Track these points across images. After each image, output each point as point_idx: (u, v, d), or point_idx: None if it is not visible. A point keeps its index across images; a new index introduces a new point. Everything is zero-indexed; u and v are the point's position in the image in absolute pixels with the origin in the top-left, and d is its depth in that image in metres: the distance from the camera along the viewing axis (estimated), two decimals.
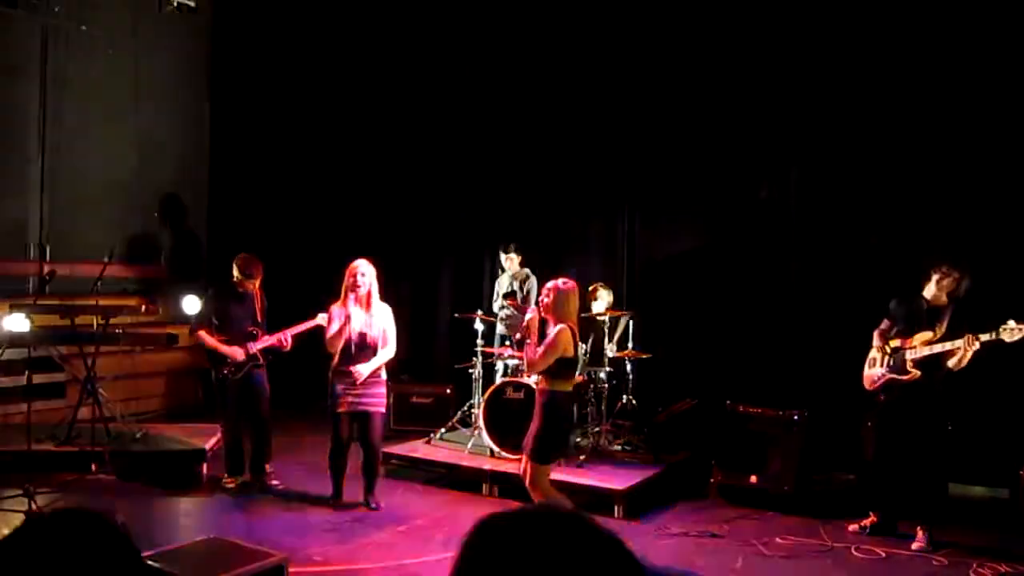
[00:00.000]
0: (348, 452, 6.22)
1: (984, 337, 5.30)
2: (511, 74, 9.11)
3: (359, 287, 6.02)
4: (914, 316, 5.69)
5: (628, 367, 7.48)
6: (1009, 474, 6.24)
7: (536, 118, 8.99)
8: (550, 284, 5.25)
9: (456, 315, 8.05)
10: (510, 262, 8.10)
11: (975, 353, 5.37)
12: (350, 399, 6.07)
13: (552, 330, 5.16)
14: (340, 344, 6.02)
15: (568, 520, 1.18)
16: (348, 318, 6.01)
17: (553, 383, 5.18)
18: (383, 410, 6.23)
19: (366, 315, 6.06)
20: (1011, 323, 5.22)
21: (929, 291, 5.67)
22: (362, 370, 6.03)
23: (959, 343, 5.37)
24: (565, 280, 5.28)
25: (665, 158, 8.37)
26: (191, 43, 10.45)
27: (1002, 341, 5.26)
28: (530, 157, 9.04)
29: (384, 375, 6.22)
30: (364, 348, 6.06)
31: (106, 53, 9.53)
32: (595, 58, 8.60)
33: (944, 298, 5.64)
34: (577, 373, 7.07)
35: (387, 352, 6.17)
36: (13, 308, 7.28)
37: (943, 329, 5.52)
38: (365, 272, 6.06)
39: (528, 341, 5.29)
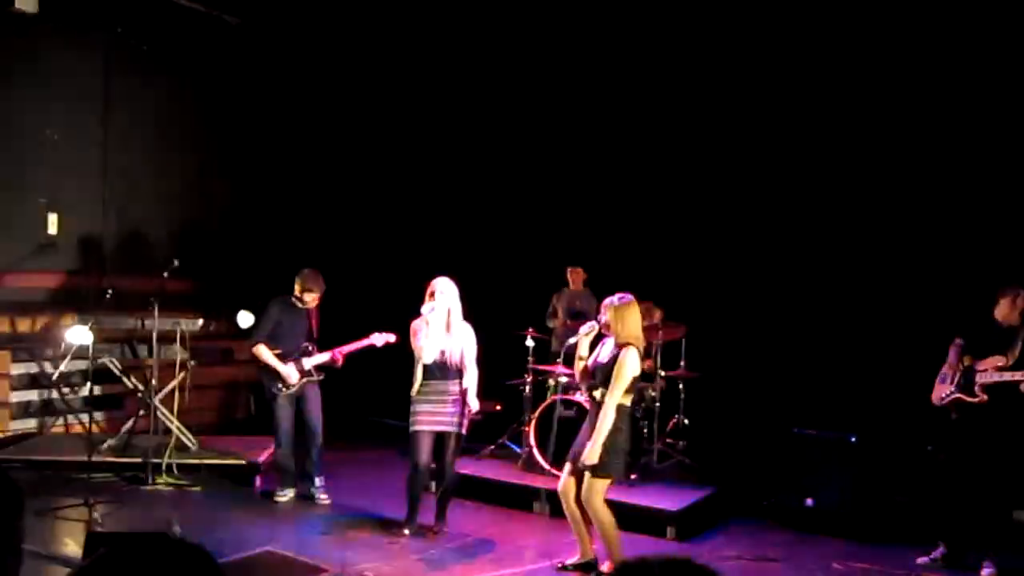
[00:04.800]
0: (427, 473, 6.01)
1: None
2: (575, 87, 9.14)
3: (431, 304, 5.84)
4: (985, 336, 5.59)
5: (680, 386, 7.41)
6: None
7: (584, 132, 9.00)
8: (607, 301, 5.25)
9: (512, 332, 8.01)
10: (575, 277, 8.09)
11: None
12: (431, 417, 5.85)
13: (624, 352, 5.13)
14: (427, 357, 5.82)
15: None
16: (427, 335, 5.80)
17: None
18: (464, 431, 5.97)
19: (446, 334, 5.88)
20: None
21: (1000, 312, 5.57)
22: (473, 405, 5.91)
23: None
24: (622, 296, 5.26)
25: (717, 170, 8.32)
26: (247, 59, 10.64)
27: None
28: (578, 169, 9.05)
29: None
30: (444, 367, 5.85)
31: (167, 71, 9.76)
32: (656, 70, 8.59)
33: (1016, 319, 5.52)
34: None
35: (470, 375, 5.94)
36: (77, 321, 7.47)
37: (1016, 354, 5.40)
38: (444, 290, 5.85)
39: (579, 356, 5.29)
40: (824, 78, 7.78)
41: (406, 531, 5.89)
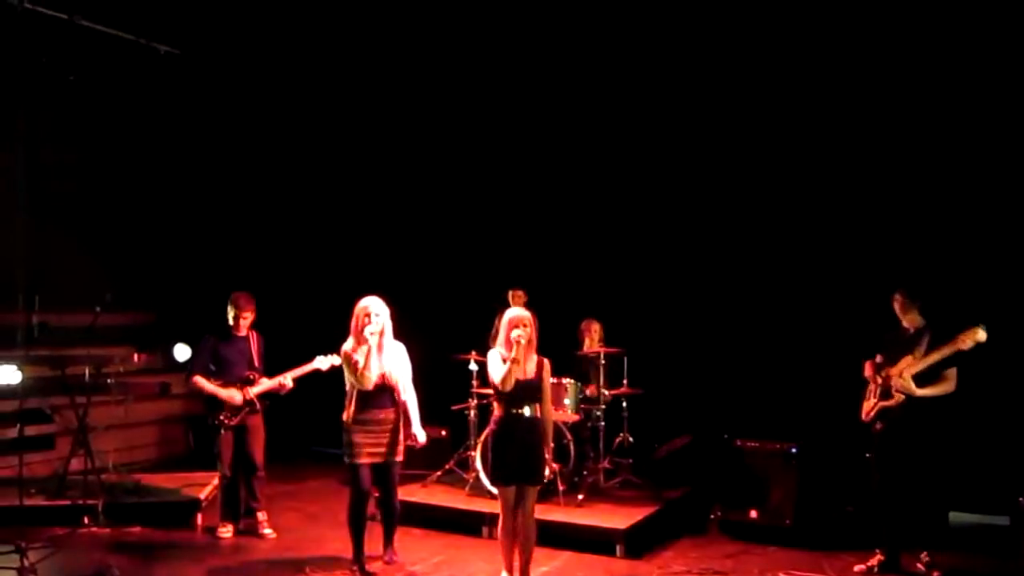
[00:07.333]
0: (369, 500, 5.74)
1: (945, 350, 5.42)
2: (503, 109, 9.19)
3: (372, 327, 5.56)
4: (896, 344, 5.79)
5: (623, 404, 7.46)
6: (1008, 502, 6.24)
7: (522, 147, 9.07)
8: (524, 315, 5.23)
9: (451, 357, 7.98)
10: (517, 300, 8.07)
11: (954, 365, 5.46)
12: (371, 449, 5.60)
13: (546, 364, 5.27)
14: (369, 384, 5.57)
15: None
16: (367, 359, 5.56)
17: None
18: (401, 458, 5.81)
19: (380, 357, 5.61)
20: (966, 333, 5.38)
21: (904, 319, 5.79)
22: (420, 437, 5.82)
23: (930, 360, 5.48)
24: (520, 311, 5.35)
25: (651, 186, 8.44)
26: (180, 85, 10.48)
27: (961, 350, 5.38)
28: (520, 193, 9.09)
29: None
30: (382, 392, 5.62)
31: (96, 99, 9.54)
32: (595, 93, 8.71)
33: (918, 321, 5.73)
34: (572, 411, 7.13)
35: (411, 398, 5.79)
36: (3, 360, 7.22)
37: (923, 351, 5.58)
38: (379, 312, 5.59)
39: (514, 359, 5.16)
40: (736, 98, 7.99)
41: (355, 568, 5.68)
